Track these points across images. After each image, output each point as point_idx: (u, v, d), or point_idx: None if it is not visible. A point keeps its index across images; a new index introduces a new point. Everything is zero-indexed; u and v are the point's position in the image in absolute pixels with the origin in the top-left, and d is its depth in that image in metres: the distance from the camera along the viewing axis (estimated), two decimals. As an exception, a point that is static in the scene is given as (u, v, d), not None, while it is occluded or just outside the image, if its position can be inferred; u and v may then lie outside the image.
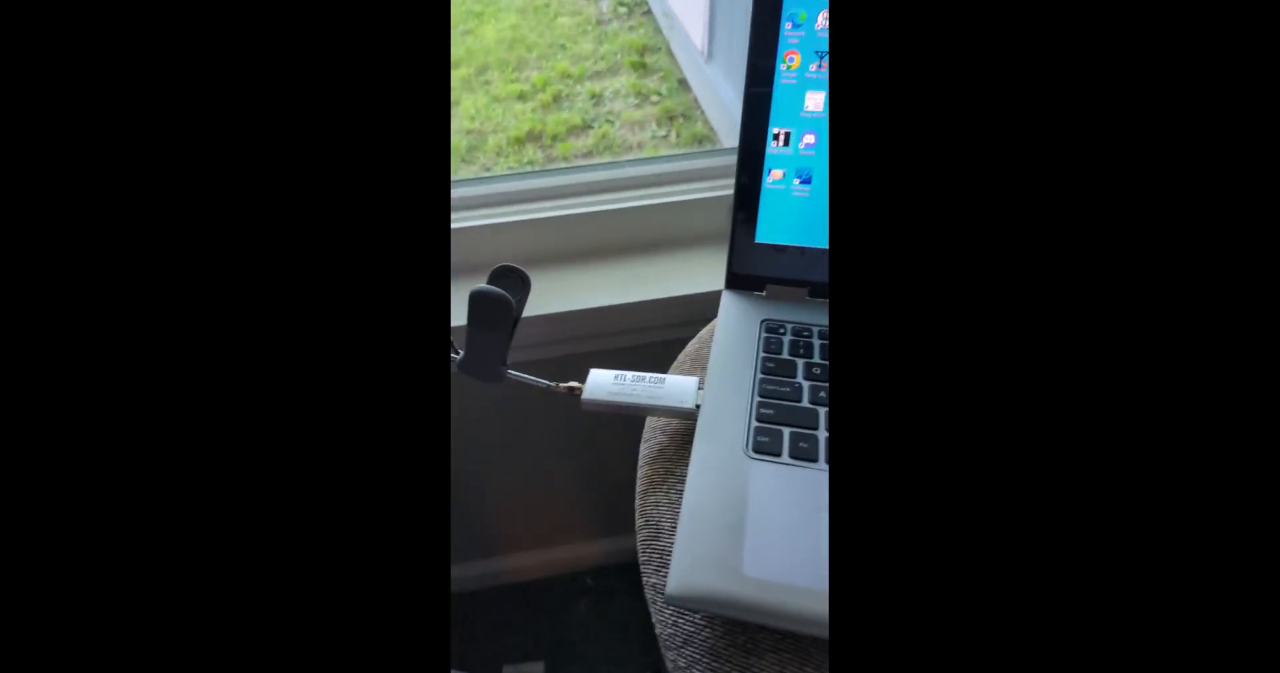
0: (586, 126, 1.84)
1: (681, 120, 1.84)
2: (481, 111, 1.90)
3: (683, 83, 1.93)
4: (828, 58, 0.33)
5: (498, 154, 1.77)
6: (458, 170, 1.74)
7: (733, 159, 0.36)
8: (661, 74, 1.99)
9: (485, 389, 0.62)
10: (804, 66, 0.33)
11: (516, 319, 0.32)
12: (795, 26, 0.32)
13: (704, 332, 0.40)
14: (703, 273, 0.55)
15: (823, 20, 0.32)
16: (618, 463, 0.74)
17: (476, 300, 0.30)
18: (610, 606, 0.85)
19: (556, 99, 1.93)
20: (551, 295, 0.54)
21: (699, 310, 0.54)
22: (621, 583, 0.87)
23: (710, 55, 1.66)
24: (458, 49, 2.13)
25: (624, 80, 1.99)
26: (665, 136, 1.80)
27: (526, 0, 2.36)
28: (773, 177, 0.35)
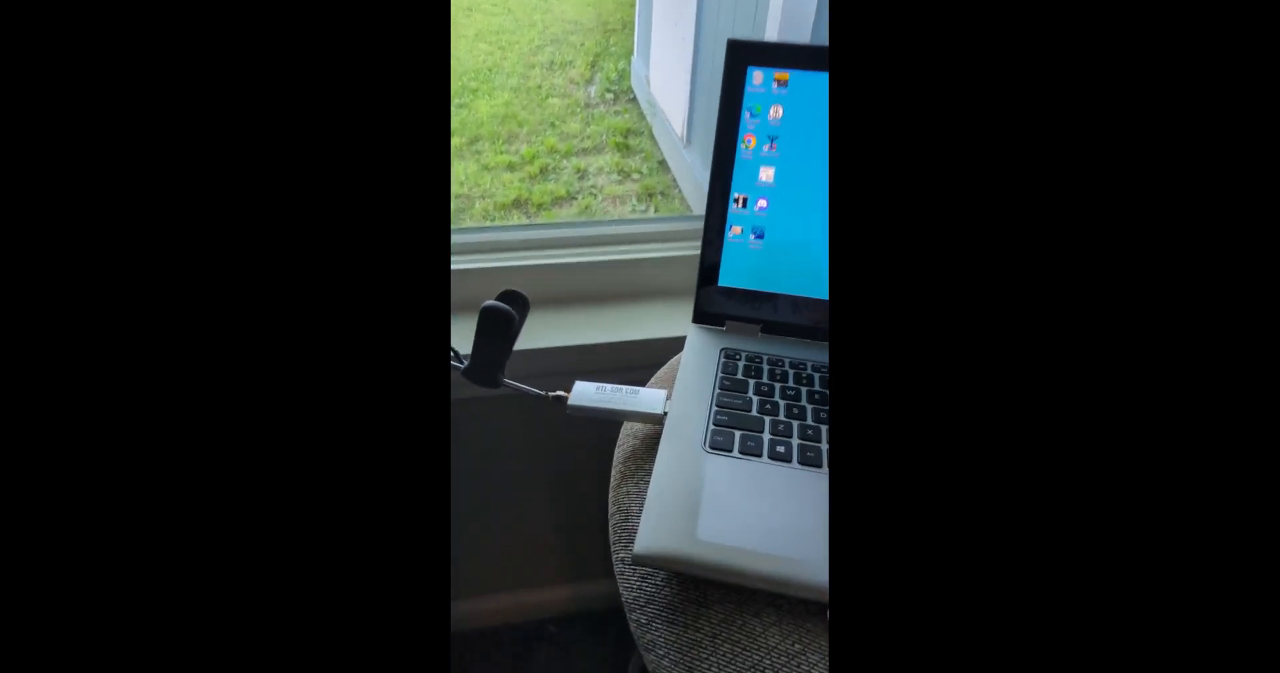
0: (571, 197, 1.96)
1: (660, 197, 1.97)
2: (471, 177, 2.01)
3: (662, 164, 2.08)
4: (779, 141, 0.41)
5: (485, 217, 1.86)
6: (445, 230, 1.81)
7: (698, 225, 0.44)
8: (643, 155, 2.14)
9: (454, 429, 0.67)
10: (759, 147, 0.42)
11: (516, 333, 0.38)
12: (753, 116, 0.41)
13: (673, 360, 0.47)
14: (667, 320, 0.62)
15: (774, 112, 0.41)
16: (587, 506, 0.77)
17: (486, 314, 0.36)
18: (571, 656, 0.85)
19: (544, 171, 2.06)
20: (536, 333, 0.60)
21: (664, 353, 0.61)
22: (584, 633, 0.87)
23: (689, 141, 1.81)
24: (453, 120, 2.27)
25: (608, 158, 2.13)
26: (645, 211, 1.93)
27: (520, 81, 2.54)
28: (733, 232, 0.43)
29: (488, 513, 0.76)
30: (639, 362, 0.61)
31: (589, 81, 2.58)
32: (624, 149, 2.17)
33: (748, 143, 0.42)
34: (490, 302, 0.36)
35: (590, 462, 0.74)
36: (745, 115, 0.41)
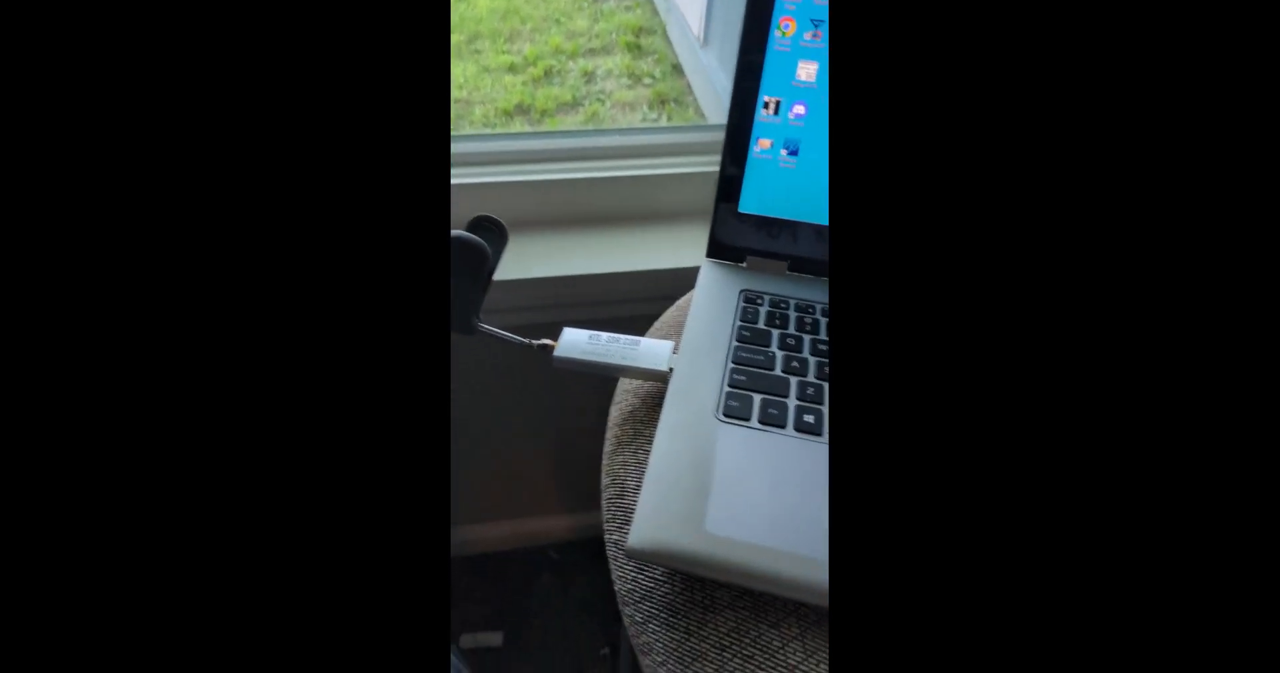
0: (577, 104, 1.82)
1: (674, 105, 1.83)
2: (470, 80, 1.87)
3: (677, 68, 1.91)
4: (825, 27, 0.32)
5: (484, 124, 1.74)
6: (442, 139, 1.71)
7: (720, 135, 0.36)
8: (656, 56, 1.97)
9: (453, 355, 0.62)
10: (798, 35, 0.33)
11: (492, 270, 0.31)
12: (794, -8, 0.32)
13: (681, 300, 0.40)
14: (681, 248, 0.55)
15: (822, -13, 0.32)
16: (587, 435, 0.74)
17: (453, 247, 0.29)
18: (572, 580, 0.86)
19: (548, 74, 1.90)
20: (526, 260, 0.53)
21: (674, 286, 0.54)
22: (585, 558, 0.87)
23: (706, 41, 1.65)
24: (452, 15, 2.08)
25: (618, 60, 1.96)
26: (657, 120, 1.79)
27: (524, -29, 2.32)
28: (760, 145, 0.35)
29: (485, 443, 0.73)
30: (645, 294, 0.55)
31: (598, -29, 2.34)
32: (635, 50, 2.00)
33: (784, 28, 0.33)
34: (459, 232, 0.29)
35: (585, 405, 0.69)
36: (783, -9, 0.32)
